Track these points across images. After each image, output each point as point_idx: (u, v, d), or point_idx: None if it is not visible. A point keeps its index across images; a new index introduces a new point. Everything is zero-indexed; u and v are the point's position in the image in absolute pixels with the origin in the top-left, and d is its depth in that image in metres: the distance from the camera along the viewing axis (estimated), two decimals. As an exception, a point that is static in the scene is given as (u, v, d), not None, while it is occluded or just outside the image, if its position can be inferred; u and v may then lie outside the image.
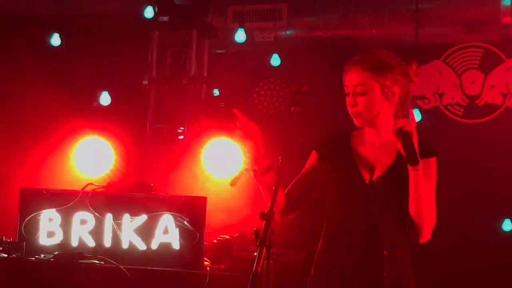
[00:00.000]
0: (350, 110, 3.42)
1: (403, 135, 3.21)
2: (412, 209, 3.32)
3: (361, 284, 3.33)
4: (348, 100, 3.41)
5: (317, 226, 3.58)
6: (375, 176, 3.43)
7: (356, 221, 3.37)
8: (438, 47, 6.76)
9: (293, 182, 3.56)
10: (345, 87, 3.44)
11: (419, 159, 3.23)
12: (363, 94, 3.38)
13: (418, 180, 3.27)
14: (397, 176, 3.39)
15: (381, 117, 3.41)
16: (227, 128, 6.39)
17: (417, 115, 6.35)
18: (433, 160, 3.41)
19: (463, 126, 6.70)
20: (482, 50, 6.71)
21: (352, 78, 3.41)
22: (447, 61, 6.80)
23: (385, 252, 3.33)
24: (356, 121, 3.43)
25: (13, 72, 6.72)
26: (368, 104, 3.37)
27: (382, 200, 3.39)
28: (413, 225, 3.34)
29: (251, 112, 6.32)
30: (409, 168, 3.26)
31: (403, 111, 3.50)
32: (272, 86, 7.04)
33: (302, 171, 3.59)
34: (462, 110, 6.73)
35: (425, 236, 3.36)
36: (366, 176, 3.41)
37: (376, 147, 3.48)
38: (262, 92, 7.06)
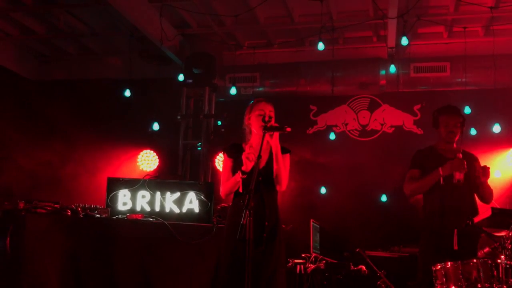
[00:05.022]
0: (261, 123, 3.38)
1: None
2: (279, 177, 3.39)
3: (255, 230, 3.08)
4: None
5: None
6: (261, 166, 3.37)
7: (252, 193, 3.06)
8: (344, 97, 6.74)
9: (227, 176, 3.49)
10: (260, 110, 3.43)
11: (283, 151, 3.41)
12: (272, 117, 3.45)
13: (279, 160, 3.36)
14: (271, 164, 3.39)
15: None
16: (225, 143, 6.38)
17: (332, 136, 6.39)
18: (288, 155, 3.51)
19: (358, 142, 6.67)
20: (369, 99, 6.72)
21: (267, 107, 3.45)
22: (350, 105, 6.79)
23: (267, 211, 3.35)
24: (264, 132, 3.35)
25: (107, 111, 6.73)
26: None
27: (266, 180, 3.39)
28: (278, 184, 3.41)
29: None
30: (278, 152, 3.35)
31: None
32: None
33: (227, 168, 3.51)
34: (358, 133, 6.72)
35: (283, 187, 3.42)
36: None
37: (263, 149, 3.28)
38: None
